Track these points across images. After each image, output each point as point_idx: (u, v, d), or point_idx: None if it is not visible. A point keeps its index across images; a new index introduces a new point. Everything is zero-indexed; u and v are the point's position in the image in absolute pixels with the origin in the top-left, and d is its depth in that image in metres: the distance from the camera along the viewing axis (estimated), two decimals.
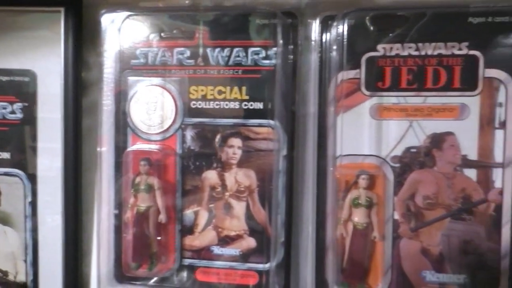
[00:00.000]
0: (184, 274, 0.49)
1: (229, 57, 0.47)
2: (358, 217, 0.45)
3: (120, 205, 0.49)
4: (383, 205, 0.45)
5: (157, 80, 0.48)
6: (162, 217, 0.48)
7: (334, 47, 0.45)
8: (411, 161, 0.45)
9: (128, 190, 0.48)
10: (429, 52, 0.44)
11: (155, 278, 0.49)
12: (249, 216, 0.48)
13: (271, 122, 0.47)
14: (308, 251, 0.47)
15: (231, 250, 0.48)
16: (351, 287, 0.45)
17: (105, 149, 0.49)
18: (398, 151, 0.45)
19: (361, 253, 0.45)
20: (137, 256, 0.48)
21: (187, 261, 0.49)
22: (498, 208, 0.43)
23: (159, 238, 0.48)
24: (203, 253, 0.49)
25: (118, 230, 0.49)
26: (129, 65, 0.49)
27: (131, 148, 0.48)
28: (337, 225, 0.45)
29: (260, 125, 0.47)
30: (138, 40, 0.48)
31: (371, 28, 0.44)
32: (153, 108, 0.48)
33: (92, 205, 0.51)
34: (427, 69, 0.44)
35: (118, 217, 0.49)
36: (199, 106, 0.48)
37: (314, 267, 0.47)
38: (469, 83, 0.43)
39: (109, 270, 0.49)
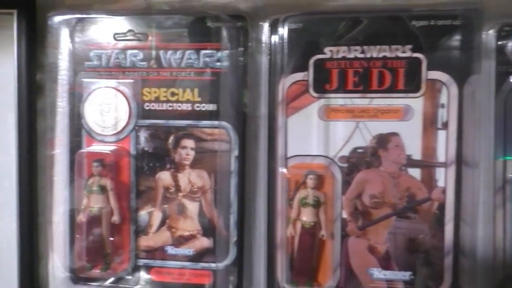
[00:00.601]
0: (139, 274, 0.49)
1: (181, 59, 0.48)
2: (306, 216, 0.45)
3: (74, 206, 0.49)
4: (331, 204, 0.46)
5: (111, 82, 0.49)
6: (116, 218, 0.48)
7: (283, 50, 0.46)
8: (358, 161, 0.46)
9: (81, 192, 0.48)
10: (374, 55, 0.45)
11: (111, 279, 0.50)
12: (202, 216, 0.48)
13: (223, 123, 0.47)
14: (260, 250, 0.48)
15: (185, 250, 0.49)
16: (300, 285, 0.46)
17: (59, 151, 0.49)
18: (346, 152, 0.46)
19: (309, 251, 0.46)
20: (90, 257, 0.48)
21: (142, 261, 0.49)
22: (441, 207, 0.45)
23: (111, 239, 0.48)
24: (158, 253, 0.49)
25: (72, 231, 0.49)
26: (83, 67, 0.49)
27: (84, 149, 0.49)
28: (287, 224, 0.46)
29: (212, 127, 0.48)
30: (92, 42, 0.49)
31: (318, 31, 0.45)
32: (107, 109, 0.49)
33: (47, 207, 0.51)
34: (372, 71, 0.45)
35: (72, 218, 0.49)
36: (153, 108, 0.48)
37: (266, 266, 0.47)
38: (412, 85, 0.44)
39: (64, 272, 0.50)
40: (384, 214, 0.45)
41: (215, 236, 0.48)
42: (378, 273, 0.46)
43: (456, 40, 0.43)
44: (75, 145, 0.49)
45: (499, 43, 0.44)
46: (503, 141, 0.44)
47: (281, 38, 0.45)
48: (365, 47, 0.45)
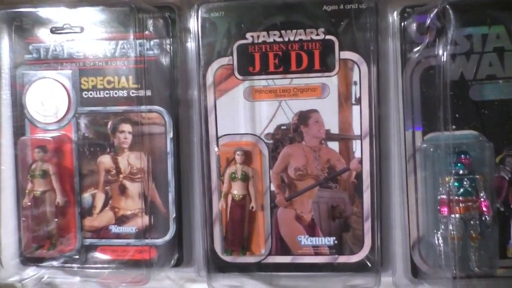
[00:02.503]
0: (86, 253, 0.53)
1: (115, 49, 0.51)
2: (236, 189, 0.49)
3: (19, 191, 0.52)
4: (260, 178, 0.50)
5: (50, 73, 0.52)
6: (59, 200, 0.51)
7: (209, 37, 0.49)
8: (282, 138, 0.50)
9: (26, 177, 0.51)
10: (292, 38, 0.48)
11: (60, 260, 0.53)
12: (143, 196, 0.52)
13: (157, 107, 0.51)
14: (198, 224, 0.51)
15: (128, 228, 0.52)
16: (234, 253, 0.50)
17: (4, 139, 0.52)
18: (271, 129, 0.50)
19: (240, 222, 0.49)
20: (36, 238, 0.51)
21: (87, 241, 0.52)
22: (359, 176, 0.49)
23: (56, 220, 0.51)
24: (102, 232, 0.52)
25: (19, 215, 0.52)
26: (23, 60, 0.52)
27: (26, 137, 0.51)
28: (220, 198, 0.50)
29: (148, 111, 0.51)
30: (30, 36, 0.51)
31: (238, 18, 0.49)
32: (47, 99, 0.51)
33: None
34: (291, 53, 0.49)
35: (18, 202, 0.52)
36: (91, 96, 0.51)
37: (204, 238, 0.51)
38: (327, 65, 0.48)
39: (13, 255, 0.53)
40: (308, 185, 0.49)
41: (155, 213, 0.51)
42: (306, 240, 0.50)
43: (363, 22, 0.48)
44: (19, 133, 0.52)
45: (402, 23, 0.48)
46: (411, 114, 0.48)
47: (206, 25, 0.49)
48: (283, 32, 0.48)
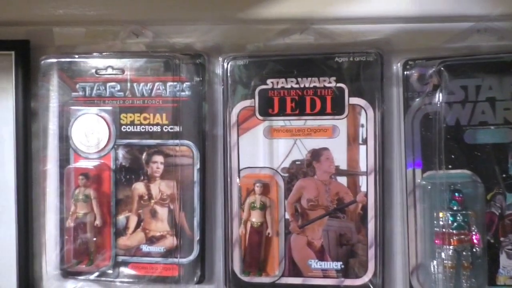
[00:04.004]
0: (119, 269, 0.59)
1: (151, 90, 0.58)
2: (255, 217, 0.55)
3: (63, 213, 0.59)
4: (276, 207, 0.56)
5: (94, 109, 0.59)
6: (98, 222, 0.58)
7: (234, 82, 0.56)
8: (296, 171, 0.56)
9: (70, 201, 0.58)
10: (307, 85, 0.55)
11: (95, 273, 0.59)
12: (171, 219, 0.58)
13: (187, 142, 0.57)
14: (219, 247, 0.57)
15: (157, 248, 0.58)
16: (251, 274, 0.56)
17: (51, 166, 0.59)
18: (286, 164, 0.56)
19: (258, 247, 0.55)
20: (77, 255, 0.58)
21: (121, 258, 0.59)
22: (364, 208, 0.55)
23: (94, 239, 0.58)
24: (134, 251, 0.59)
25: (62, 234, 0.59)
26: (70, 97, 0.59)
27: (71, 165, 0.58)
28: (240, 224, 0.56)
29: (178, 145, 0.58)
30: (78, 76, 0.59)
31: (261, 66, 0.55)
32: (90, 132, 0.59)
33: (41, 214, 0.60)
34: (306, 98, 0.55)
35: (62, 223, 0.59)
36: (129, 130, 0.58)
37: (224, 260, 0.57)
38: (338, 109, 0.55)
39: (56, 268, 0.59)
40: (319, 215, 0.56)
41: (181, 236, 0.58)
42: (315, 264, 0.56)
43: (370, 72, 0.54)
44: (64, 162, 0.59)
45: (405, 73, 0.54)
46: (412, 153, 0.54)
47: (232, 72, 0.56)
48: (299, 79, 0.55)
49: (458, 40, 0.55)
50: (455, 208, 0.51)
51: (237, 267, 0.56)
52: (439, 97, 0.53)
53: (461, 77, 0.53)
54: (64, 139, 0.59)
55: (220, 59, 0.56)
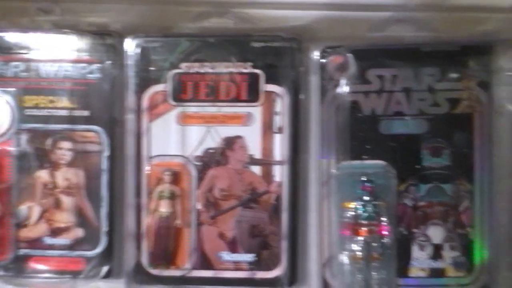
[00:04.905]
0: (20, 263, 0.55)
1: (58, 71, 0.54)
2: (163, 207, 0.53)
3: None
4: (187, 197, 0.53)
5: None
6: None
7: (145, 65, 0.53)
8: (209, 160, 0.54)
9: None
10: (222, 70, 0.53)
11: None
12: (77, 209, 0.54)
13: (95, 127, 0.54)
14: (128, 239, 0.54)
15: (61, 240, 0.55)
16: (159, 267, 0.53)
17: None
18: (199, 152, 0.54)
19: (165, 238, 0.53)
20: None
21: (22, 251, 0.55)
22: (278, 198, 0.53)
23: None
24: (36, 243, 0.55)
25: None
26: None
27: None
28: (148, 215, 0.53)
29: (86, 130, 0.54)
30: None
31: (174, 49, 0.53)
32: None
33: None
34: (220, 84, 0.53)
35: None
36: (33, 114, 0.54)
37: (133, 252, 0.54)
38: (253, 96, 0.53)
39: None
40: (231, 205, 0.53)
41: (87, 227, 0.54)
42: (227, 256, 0.54)
43: (287, 59, 0.53)
44: None
45: (322, 61, 0.53)
46: (327, 143, 0.53)
47: (144, 54, 0.53)
48: (214, 64, 0.53)
49: (378, 30, 0.54)
50: (365, 198, 0.50)
51: (145, 260, 0.54)
52: (354, 86, 0.52)
53: (378, 66, 0.53)
54: None
55: (132, 40, 0.54)
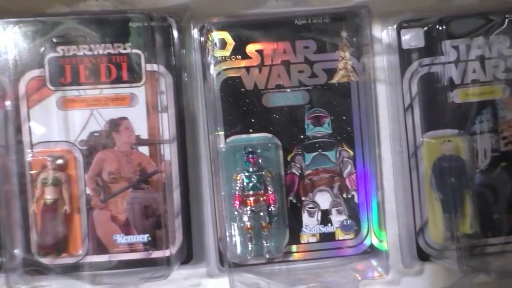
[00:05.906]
0: None
1: None
2: (48, 194, 0.52)
3: None
4: (75, 182, 0.53)
5: None
6: None
7: (21, 50, 0.51)
8: (95, 144, 0.53)
9: None
10: (101, 52, 0.52)
11: None
12: None
13: None
14: (16, 228, 0.53)
15: None
16: (49, 255, 0.52)
17: None
18: (84, 136, 0.53)
19: (51, 225, 0.52)
20: None
21: None
22: (169, 177, 0.53)
23: None
24: None
25: None
26: None
27: None
28: (32, 203, 0.52)
29: None
30: None
31: (48, 32, 0.52)
32: None
33: None
34: (101, 66, 0.52)
35: None
36: None
37: (24, 242, 0.52)
38: (135, 76, 0.53)
39: None
40: (121, 187, 0.53)
41: None
42: (121, 238, 0.53)
43: (167, 38, 0.53)
44: None
45: (201, 39, 0.53)
46: (214, 119, 0.54)
47: (18, 38, 0.51)
48: (92, 45, 0.52)
49: (256, 6, 0.55)
50: (250, 169, 0.52)
51: (34, 249, 0.52)
52: (235, 61, 0.53)
53: (256, 41, 0.54)
54: None
55: (6, 24, 0.51)
